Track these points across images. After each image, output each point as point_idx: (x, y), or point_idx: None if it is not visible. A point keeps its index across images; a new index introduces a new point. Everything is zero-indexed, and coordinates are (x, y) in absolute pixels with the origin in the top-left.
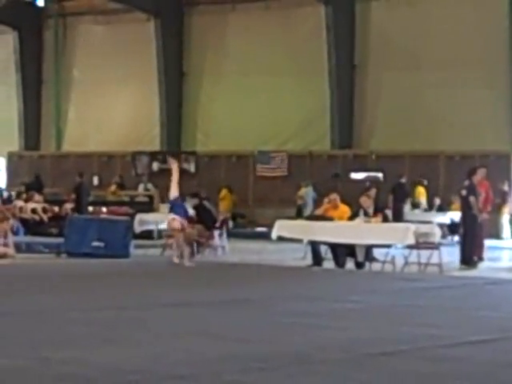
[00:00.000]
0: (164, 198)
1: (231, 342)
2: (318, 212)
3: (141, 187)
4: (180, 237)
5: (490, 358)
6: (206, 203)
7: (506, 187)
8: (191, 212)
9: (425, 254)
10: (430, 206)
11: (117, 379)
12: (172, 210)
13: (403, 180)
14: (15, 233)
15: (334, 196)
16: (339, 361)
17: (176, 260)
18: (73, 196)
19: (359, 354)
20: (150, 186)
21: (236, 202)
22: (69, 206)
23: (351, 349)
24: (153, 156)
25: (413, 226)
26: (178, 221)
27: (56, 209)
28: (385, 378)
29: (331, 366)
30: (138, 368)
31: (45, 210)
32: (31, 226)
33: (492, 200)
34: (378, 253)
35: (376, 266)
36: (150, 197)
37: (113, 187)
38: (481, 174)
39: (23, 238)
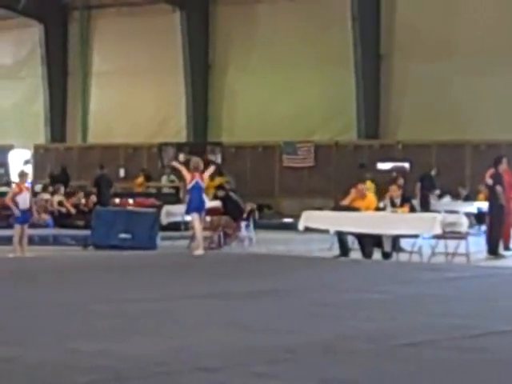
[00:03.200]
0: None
1: (259, 333)
2: (345, 202)
3: (164, 179)
4: (198, 227)
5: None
6: (232, 194)
7: None
8: (215, 203)
9: (452, 243)
10: (457, 196)
11: (145, 371)
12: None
13: (433, 172)
14: (46, 226)
15: (361, 186)
16: (367, 351)
17: (199, 252)
18: (93, 189)
19: (387, 344)
20: (172, 177)
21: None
22: (94, 198)
23: (379, 339)
24: (179, 147)
25: (440, 216)
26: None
27: (82, 201)
28: (413, 367)
29: (359, 357)
30: (166, 359)
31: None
32: (57, 219)
33: None
34: (405, 243)
35: (403, 257)
36: (177, 188)
37: (140, 179)
38: (506, 163)
39: (50, 231)
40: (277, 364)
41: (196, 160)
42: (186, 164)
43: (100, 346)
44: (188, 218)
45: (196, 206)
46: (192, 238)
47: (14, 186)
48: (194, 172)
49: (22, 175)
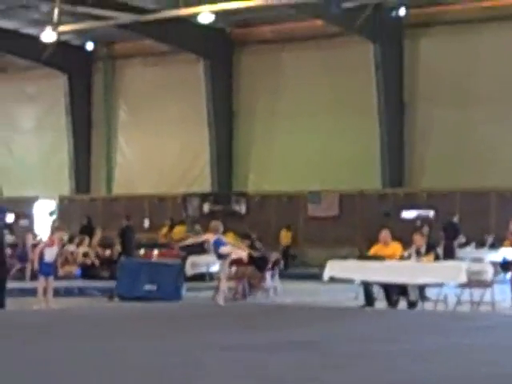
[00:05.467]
0: None
1: None
2: (370, 251)
3: (187, 233)
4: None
5: None
6: (257, 244)
7: None
8: (244, 253)
9: (477, 292)
10: (482, 244)
11: None
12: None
13: (455, 219)
14: (74, 278)
15: (384, 233)
16: None
17: (221, 302)
18: (118, 240)
19: None
20: (197, 227)
21: (294, 239)
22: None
23: None
24: (203, 198)
25: (465, 265)
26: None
27: (107, 252)
28: None
29: None
30: None
31: (97, 255)
32: (83, 270)
33: None
34: (430, 292)
35: (428, 305)
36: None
37: (164, 229)
38: None
39: (75, 283)
40: None
41: (215, 223)
42: (211, 215)
43: None
44: (213, 268)
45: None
46: (216, 288)
47: (45, 238)
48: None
49: (57, 228)
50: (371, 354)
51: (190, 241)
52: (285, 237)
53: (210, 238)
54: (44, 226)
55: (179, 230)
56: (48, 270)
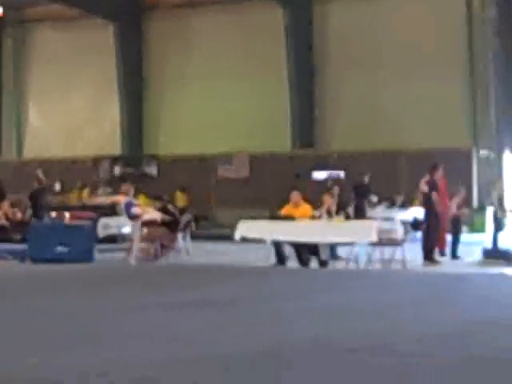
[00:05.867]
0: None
1: (197, 344)
2: (281, 212)
3: (100, 192)
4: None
5: (452, 353)
6: (169, 206)
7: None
8: (156, 215)
9: (388, 251)
10: (393, 203)
11: (85, 382)
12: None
13: (366, 179)
14: None
15: (294, 194)
16: (306, 358)
17: (133, 262)
18: (29, 203)
19: (326, 350)
20: (108, 190)
21: (190, 202)
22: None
23: (318, 346)
24: (114, 160)
25: (375, 223)
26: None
27: (19, 215)
28: (351, 372)
29: (298, 363)
30: (104, 370)
31: (8, 218)
32: None
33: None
34: (341, 251)
35: (340, 264)
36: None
37: (86, 191)
38: (442, 170)
39: None
40: (216, 374)
41: (126, 186)
42: (122, 178)
43: (39, 358)
44: (125, 230)
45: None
46: (128, 249)
47: None
48: (124, 195)
49: None
50: (278, 312)
51: (102, 199)
52: (180, 199)
53: (121, 199)
54: None
55: (86, 193)
56: None
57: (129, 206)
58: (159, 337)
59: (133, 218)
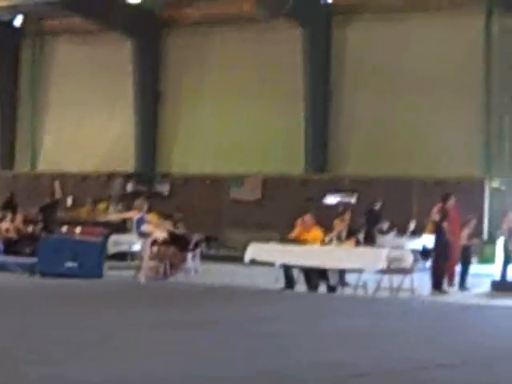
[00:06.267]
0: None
1: (203, 362)
2: (292, 235)
3: (111, 208)
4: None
5: (459, 381)
6: (179, 225)
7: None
8: (163, 235)
9: (397, 278)
10: (404, 231)
11: None
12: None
13: (377, 206)
14: None
15: (307, 218)
16: (313, 382)
17: (142, 280)
18: (41, 216)
19: (332, 375)
20: (119, 207)
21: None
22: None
23: (325, 370)
24: (127, 177)
25: (385, 251)
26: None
27: (30, 229)
28: None
29: None
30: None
31: (18, 231)
32: (5, 246)
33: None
34: (350, 277)
35: (348, 291)
36: (125, 219)
37: (102, 206)
38: (453, 199)
39: None
40: None
41: (140, 201)
42: (135, 194)
43: (50, 370)
44: (135, 247)
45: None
46: (138, 267)
47: None
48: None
49: None
50: (287, 335)
51: (114, 216)
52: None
53: (134, 215)
54: None
55: (102, 208)
56: None
57: (140, 222)
58: (166, 354)
59: (142, 235)
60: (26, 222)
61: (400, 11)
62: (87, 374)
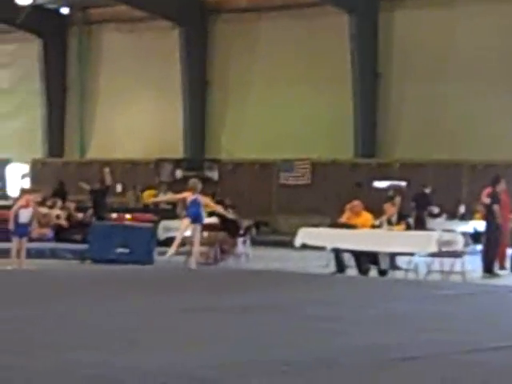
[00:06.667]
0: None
1: (255, 347)
2: (341, 219)
3: (161, 195)
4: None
5: (509, 364)
6: (229, 211)
7: None
8: (212, 218)
9: (448, 262)
10: (454, 215)
11: (143, 381)
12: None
13: (427, 190)
14: (47, 240)
15: (356, 203)
16: (362, 365)
17: (193, 266)
18: (91, 203)
19: (382, 358)
20: (169, 193)
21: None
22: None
23: (374, 354)
24: (176, 163)
25: (436, 234)
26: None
27: (80, 215)
28: (407, 382)
29: (354, 371)
30: (163, 371)
31: (69, 218)
32: (55, 233)
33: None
34: (400, 261)
35: (399, 274)
36: (174, 204)
37: (149, 192)
38: (504, 183)
39: (47, 245)
40: (274, 377)
41: (194, 181)
42: (184, 180)
43: (99, 357)
44: (186, 233)
45: (196, 216)
46: (189, 253)
47: (20, 199)
48: (193, 191)
49: (33, 191)
50: (338, 318)
51: (168, 197)
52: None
53: (189, 196)
54: (16, 189)
55: (149, 194)
56: (23, 230)
57: (194, 204)
58: (214, 340)
59: (195, 220)
60: (77, 208)
61: None
62: (136, 359)
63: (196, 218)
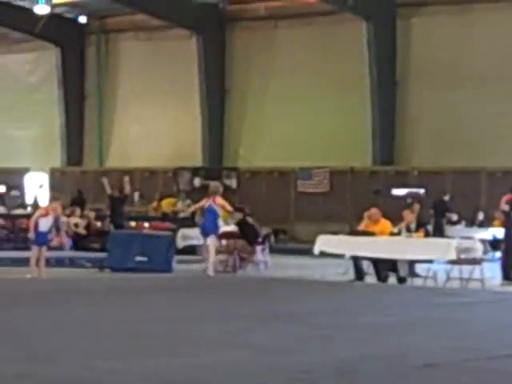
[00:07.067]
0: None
1: (274, 354)
2: (360, 227)
3: (179, 203)
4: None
5: None
6: (248, 219)
7: None
8: (231, 227)
9: (466, 269)
10: (472, 222)
11: None
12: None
13: (446, 197)
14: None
15: (374, 211)
16: (382, 372)
17: (211, 273)
18: (109, 211)
19: (402, 365)
20: (188, 201)
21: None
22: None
23: (394, 361)
24: (195, 172)
25: (454, 242)
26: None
27: (98, 224)
28: None
29: (374, 378)
30: (181, 378)
31: (88, 226)
32: (74, 242)
33: None
34: (419, 268)
35: (418, 282)
36: (193, 212)
37: (167, 201)
38: None
39: (66, 253)
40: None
41: (214, 184)
42: (203, 189)
43: (118, 364)
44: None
45: (207, 229)
46: (205, 261)
47: (40, 208)
48: (212, 196)
49: (53, 199)
50: (357, 326)
51: (195, 206)
52: None
53: (206, 203)
54: (34, 198)
55: (168, 203)
56: (42, 239)
57: (209, 212)
58: (234, 347)
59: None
60: (95, 217)
61: (465, 2)
62: (154, 366)
63: (208, 232)
